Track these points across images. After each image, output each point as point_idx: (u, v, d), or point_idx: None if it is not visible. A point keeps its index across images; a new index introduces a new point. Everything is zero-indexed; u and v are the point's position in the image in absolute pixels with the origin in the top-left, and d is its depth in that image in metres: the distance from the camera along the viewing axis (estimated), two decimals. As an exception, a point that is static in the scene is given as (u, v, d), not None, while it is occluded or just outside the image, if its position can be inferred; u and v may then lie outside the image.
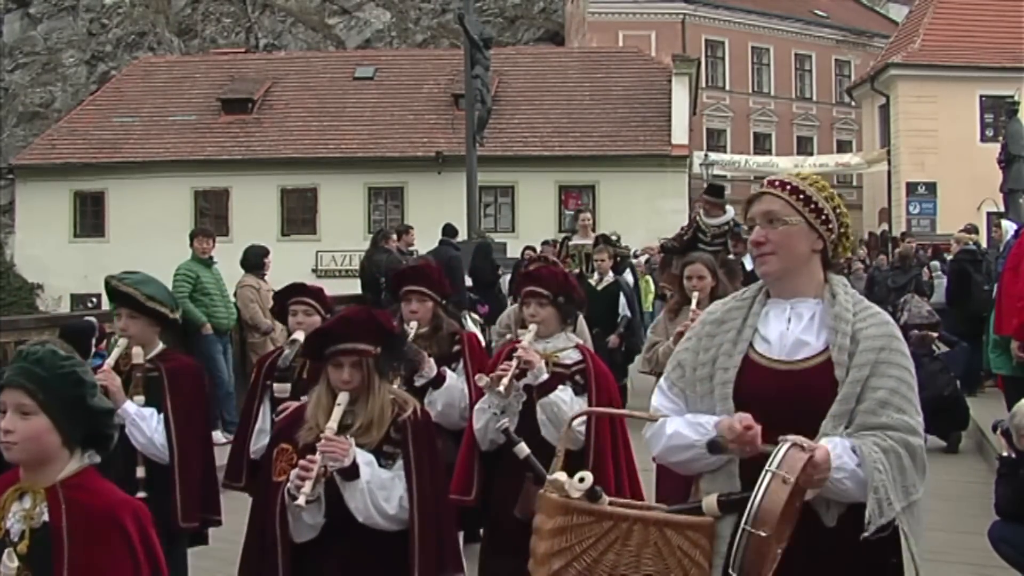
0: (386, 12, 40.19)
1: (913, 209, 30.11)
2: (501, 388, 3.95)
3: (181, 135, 29.44)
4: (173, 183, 28.36)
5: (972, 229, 12.89)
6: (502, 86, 28.73)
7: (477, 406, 4.18)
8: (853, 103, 37.99)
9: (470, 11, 17.09)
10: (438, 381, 4.51)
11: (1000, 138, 19.87)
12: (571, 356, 4.27)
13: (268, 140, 29.28)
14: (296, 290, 4.98)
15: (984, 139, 29.44)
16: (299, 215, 29.31)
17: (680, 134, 27.72)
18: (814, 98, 41.79)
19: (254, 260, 10.11)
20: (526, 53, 33.29)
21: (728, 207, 10.33)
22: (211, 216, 28.51)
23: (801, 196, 2.52)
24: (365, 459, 3.19)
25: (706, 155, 32.11)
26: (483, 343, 5.00)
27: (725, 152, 35.58)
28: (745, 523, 2.10)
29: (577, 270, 10.25)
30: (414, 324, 4.56)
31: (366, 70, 31.34)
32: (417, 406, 3.41)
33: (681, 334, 4.88)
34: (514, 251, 16.74)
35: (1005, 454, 5.39)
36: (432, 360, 4.51)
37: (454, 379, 4.57)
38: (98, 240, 28.89)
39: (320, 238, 28.56)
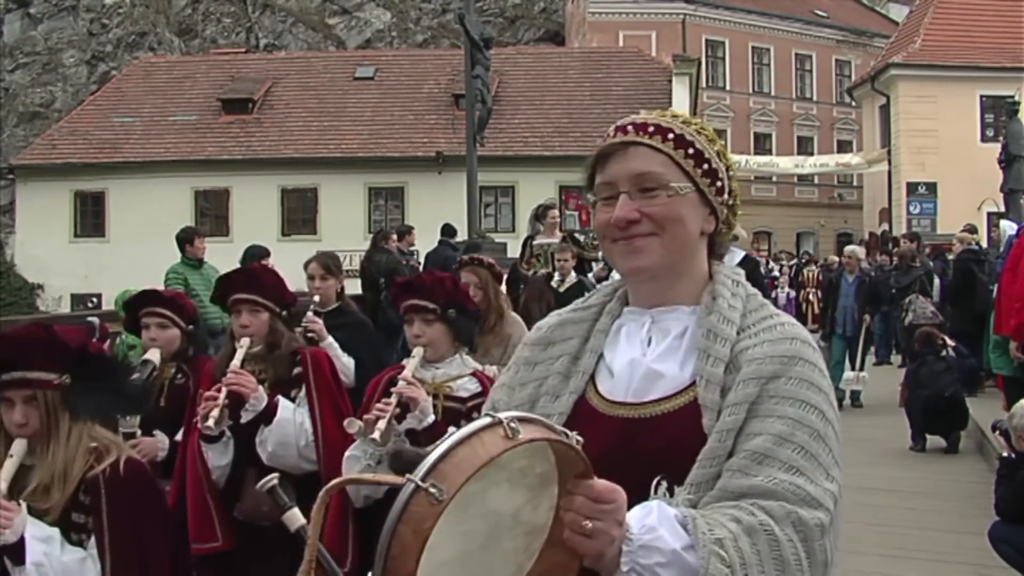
0: (386, 12, 40.18)
1: (913, 209, 30.11)
2: (376, 436, 3.09)
3: (181, 135, 29.45)
4: (173, 183, 28.37)
5: (972, 229, 12.92)
6: (502, 86, 28.74)
7: (348, 453, 3.32)
8: (853, 103, 38.00)
9: (470, 11, 17.08)
10: (269, 415, 3.56)
11: (1000, 138, 19.88)
12: (467, 387, 3.49)
13: (268, 140, 29.29)
14: (148, 298, 4.14)
15: (984, 139, 29.46)
16: (299, 215, 29.32)
17: (680, 134, 27.71)
18: (814, 98, 41.81)
19: (252, 260, 10.09)
20: (526, 53, 33.30)
21: None
22: (211, 216, 28.54)
23: (691, 150, 1.63)
24: (42, 534, 2.37)
25: (706, 155, 32.15)
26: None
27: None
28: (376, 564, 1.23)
29: (544, 271, 9.96)
30: (245, 341, 3.66)
31: (366, 70, 31.35)
32: (123, 455, 2.55)
33: None
34: (514, 251, 16.74)
35: (1005, 455, 5.40)
36: (262, 388, 3.59)
37: (289, 411, 3.62)
38: (98, 240, 28.92)
39: (320, 238, 28.53)
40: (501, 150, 26.52)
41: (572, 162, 28.13)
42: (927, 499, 7.46)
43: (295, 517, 2.07)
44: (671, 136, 1.63)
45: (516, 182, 28.13)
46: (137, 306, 4.12)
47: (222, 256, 10.06)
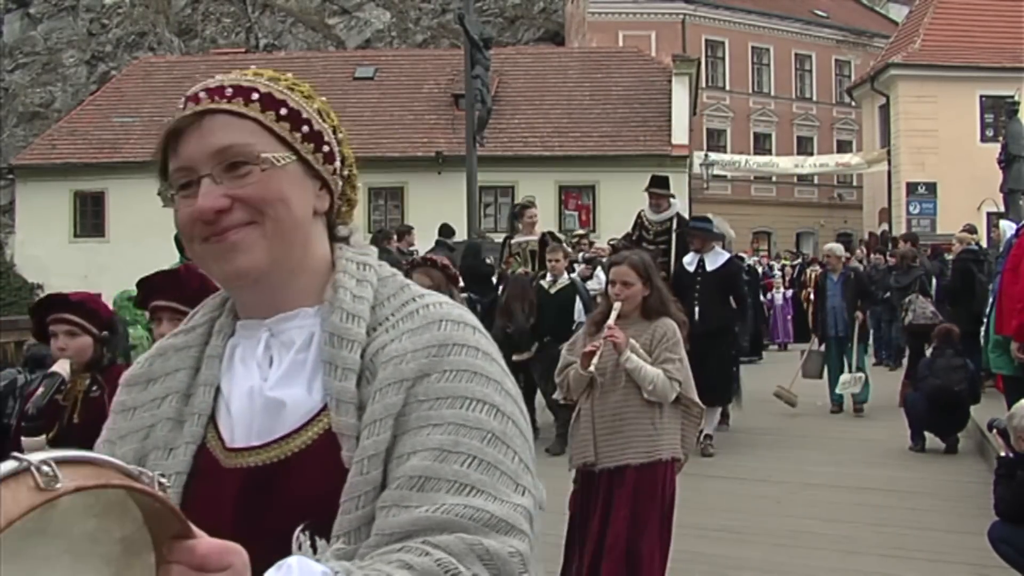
0: (386, 12, 40.19)
1: (913, 209, 30.14)
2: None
3: (181, 135, 29.47)
4: (173, 183, 28.39)
5: (971, 229, 12.94)
6: (502, 86, 28.74)
7: None
8: (853, 103, 38.03)
9: (470, 11, 17.08)
10: None
11: (1000, 138, 19.88)
12: None
13: (268, 140, 29.31)
14: (55, 304, 3.70)
15: (984, 139, 29.48)
16: (299, 215, 29.36)
17: (680, 134, 27.72)
18: (814, 98, 41.83)
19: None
20: (526, 53, 33.29)
21: (674, 200, 10.05)
22: (211, 216, 28.58)
23: (284, 110, 1.28)
24: None
25: (706, 155, 32.17)
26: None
27: (725, 152, 35.62)
28: None
29: (522, 270, 9.72)
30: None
31: (366, 70, 31.35)
32: None
33: (590, 355, 4.29)
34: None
35: (1003, 454, 5.40)
36: None
37: None
38: (98, 240, 28.92)
39: (320, 238, 28.58)
40: (501, 150, 26.52)
41: (572, 162, 28.21)
42: (927, 499, 7.46)
43: None
44: (255, 97, 1.27)
45: (516, 182, 28.11)
46: (43, 312, 3.64)
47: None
